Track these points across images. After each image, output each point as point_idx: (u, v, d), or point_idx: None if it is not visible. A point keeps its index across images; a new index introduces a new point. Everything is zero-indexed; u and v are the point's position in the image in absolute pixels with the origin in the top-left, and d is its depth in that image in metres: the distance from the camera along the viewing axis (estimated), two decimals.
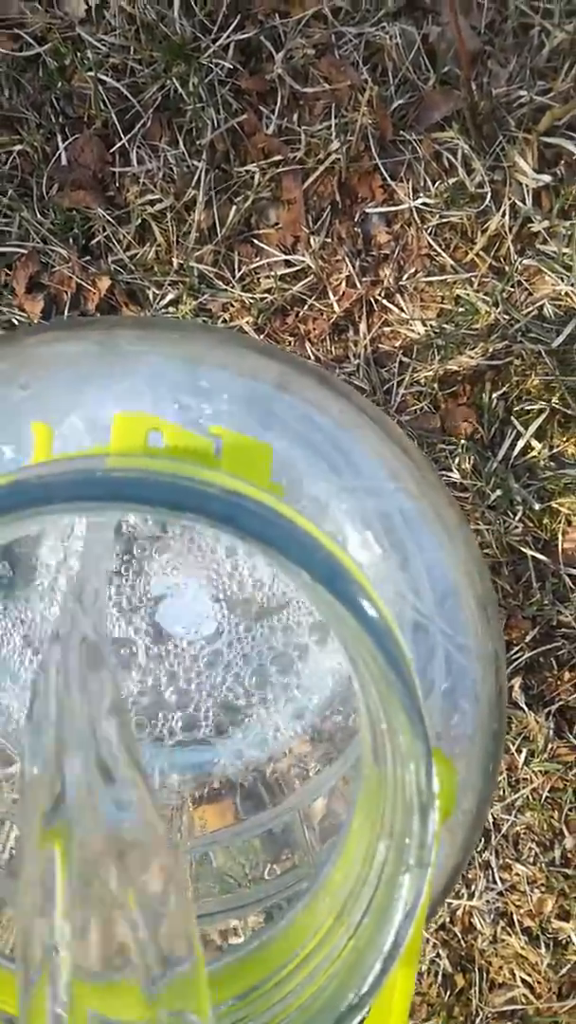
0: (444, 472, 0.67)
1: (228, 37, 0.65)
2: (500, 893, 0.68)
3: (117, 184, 0.66)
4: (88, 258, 0.66)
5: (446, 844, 0.33)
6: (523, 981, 0.68)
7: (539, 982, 0.68)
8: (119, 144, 0.66)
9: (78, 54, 0.66)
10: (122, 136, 0.66)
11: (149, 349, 0.29)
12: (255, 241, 0.67)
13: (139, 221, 0.66)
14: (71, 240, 0.66)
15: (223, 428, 0.26)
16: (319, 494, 0.31)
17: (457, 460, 0.67)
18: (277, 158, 0.66)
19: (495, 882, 0.68)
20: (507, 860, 0.68)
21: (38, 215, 0.66)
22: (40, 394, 0.27)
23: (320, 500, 0.31)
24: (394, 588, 0.33)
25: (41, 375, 0.28)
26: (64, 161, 0.66)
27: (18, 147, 0.66)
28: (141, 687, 0.45)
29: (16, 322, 0.66)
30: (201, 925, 0.40)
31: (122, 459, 0.24)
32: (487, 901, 0.68)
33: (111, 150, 0.66)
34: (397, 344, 0.68)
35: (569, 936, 0.68)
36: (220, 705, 0.46)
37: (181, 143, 0.66)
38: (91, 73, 0.65)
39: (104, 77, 0.65)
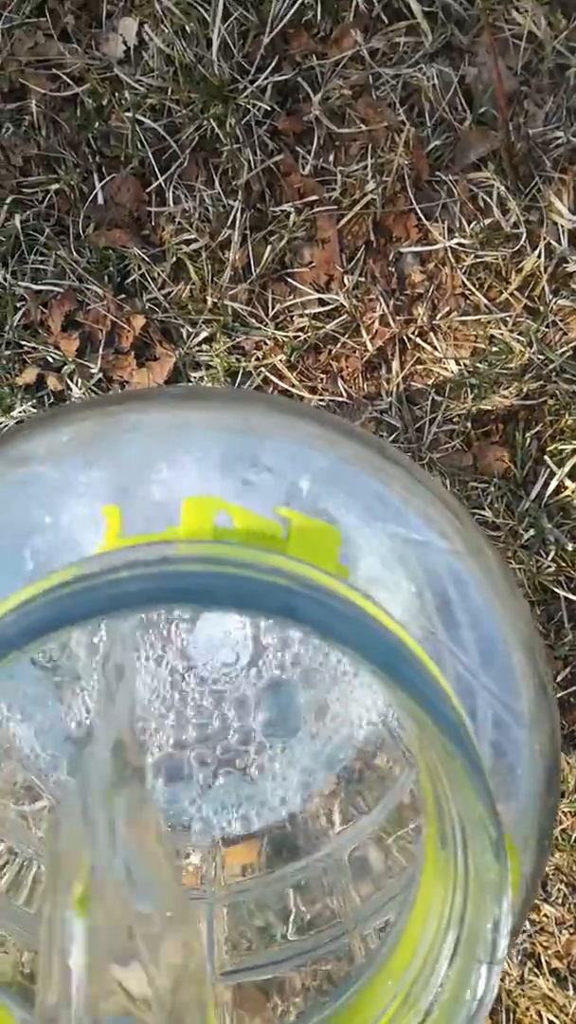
0: (476, 510, 0.67)
1: (266, 79, 0.66)
2: (529, 935, 0.68)
3: (153, 223, 0.67)
4: (123, 296, 0.67)
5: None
6: (550, 1023, 0.68)
7: None
8: (155, 184, 0.66)
9: (116, 94, 0.66)
10: (158, 176, 0.66)
11: (213, 423, 0.29)
12: (289, 280, 0.68)
13: (174, 260, 0.67)
14: (106, 278, 0.66)
15: (291, 510, 0.26)
16: (379, 562, 0.31)
17: (489, 499, 0.67)
18: (312, 198, 0.67)
19: (524, 925, 0.68)
20: (536, 901, 0.68)
21: (74, 253, 0.66)
22: (105, 472, 0.27)
23: (379, 567, 0.32)
24: (442, 649, 0.33)
25: (106, 451, 0.28)
26: (100, 200, 0.66)
27: (55, 186, 0.66)
28: (177, 728, 0.45)
29: (51, 359, 0.67)
30: (237, 979, 0.40)
31: (191, 545, 0.24)
32: (515, 943, 0.67)
33: (147, 190, 0.67)
34: (430, 382, 0.69)
35: None
36: (256, 747, 0.46)
37: (217, 183, 0.66)
38: (128, 113, 0.65)
39: (141, 117, 0.66)
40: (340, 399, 0.68)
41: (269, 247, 0.67)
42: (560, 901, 0.69)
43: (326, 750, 0.46)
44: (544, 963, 0.69)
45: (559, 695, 0.67)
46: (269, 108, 0.66)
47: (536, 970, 0.69)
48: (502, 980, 0.69)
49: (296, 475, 0.28)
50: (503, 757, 0.33)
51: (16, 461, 0.29)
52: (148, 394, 0.44)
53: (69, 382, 0.67)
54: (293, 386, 0.68)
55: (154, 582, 0.21)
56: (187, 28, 0.65)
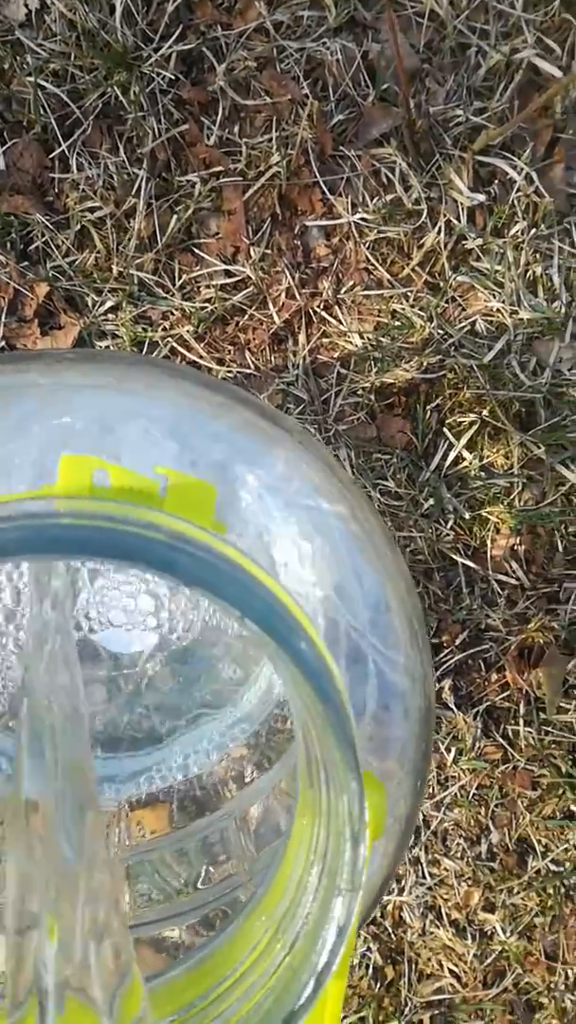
0: (380, 481, 0.69)
1: (170, 47, 0.65)
2: (429, 888, 0.71)
3: (56, 190, 0.66)
4: (26, 263, 0.66)
5: (379, 852, 0.35)
6: (450, 971, 0.71)
7: (465, 972, 0.71)
8: (59, 150, 0.66)
9: (17, 58, 0.65)
10: (62, 142, 0.66)
11: (92, 384, 0.30)
12: (195, 250, 0.68)
13: (78, 227, 0.66)
14: (8, 245, 0.66)
15: (168, 468, 0.27)
16: (259, 519, 0.32)
17: (392, 470, 0.69)
18: (218, 169, 0.67)
19: (424, 877, 0.70)
20: (436, 856, 0.71)
21: None
22: None
23: (260, 524, 0.33)
24: (327, 604, 0.35)
25: None
26: (2, 166, 0.65)
27: None
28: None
29: None
30: (139, 932, 0.41)
31: (69, 501, 0.25)
32: (416, 896, 0.70)
33: (50, 156, 0.66)
34: (335, 355, 0.70)
35: (494, 927, 0.71)
36: (158, 712, 0.46)
37: (122, 151, 0.66)
38: (31, 78, 0.65)
39: (44, 82, 0.65)
40: (248, 371, 0.69)
41: (175, 216, 0.67)
42: (459, 855, 0.71)
43: (230, 711, 0.47)
44: (444, 915, 0.71)
45: (457, 657, 0.70)
46: (174, 77, 0.66)
47: (437, 922, 0.71)
48: (404, 933, 0.71)
49: (178, 435, 0.29)
50: (384, 707, 0.34)
51: None
52: (38, 355, 0.44)
53: None
54: (201, 357, 0.68)
55: (29, 532, 0.22)
56: None
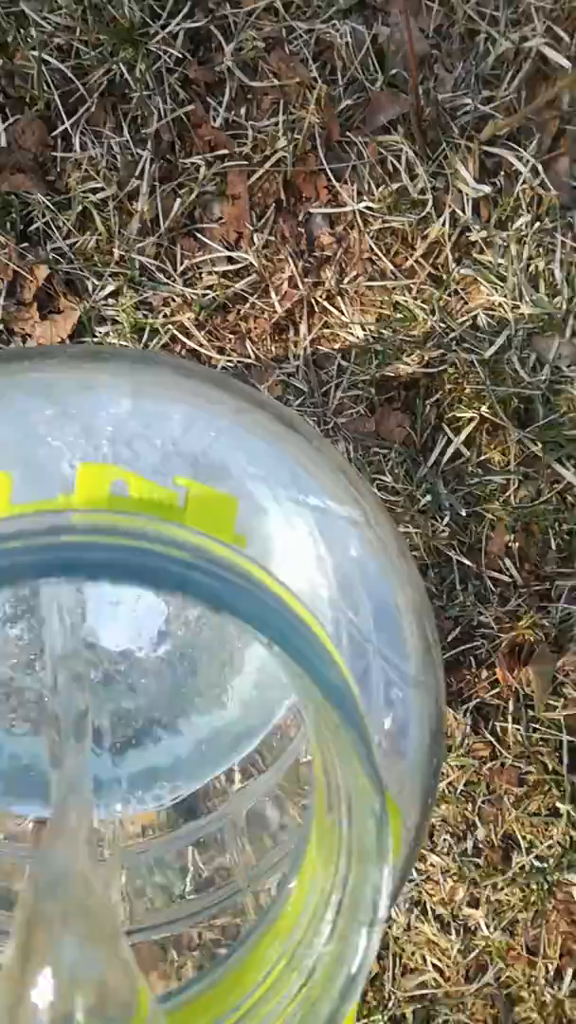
0: (377, 476, 0.68)
1: (178, 24, 0.64)
2: (415, 883, 0.71)
3: (58, 169, 0.65)
4: (26, 244, 0.65)
5: None
6: (434, 966, 0.71)
7: (448, 966, 0.71)
8: (61, 128, 0.64)
9: (21, 31, 0.63)
10: (65, 120, 0.64)
11: (108, 388, 0.29)
12: (198, 235, 0.67)
13: (80, 208, 0.65)
14: (8, 225, 0.64)
15: (188, 479, 0.26)
16: (274, 526, 0.32)
17: (390, 464, 0.68)
18: (223, 152, 0.66)
19: (411, 874, 0.70)
20: (422, 851, 0.71)
21: None
22: (1, 432, 0.27)
23: (274, 530, 0.32)
24: (338, 612, 0.34)
25: (1, 410, 0.27)
26: (3, 143, 0.64)
27: None
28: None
29: None
30: (137, 938, 0.41)
31: (85, 515, 0.24)
32: (402, 892, 0.70)
33: (53, 133, 0.64)
34: (337, 347, 0.69)
35: (478, 922, 0.71)
36: (153, 713, 0.46)
37: (126, 130, 0.64)
38: (35, 52, 0.63)
39: (48, 57, 0.63)
40: (248, 360, 0.68)
41: (178, 200, 0.65)
42: (445, 851, 0.72)
43: (226, 713, 0.46)
44: (429, 910, 0.72)
45: (449, 654, 0.70)
46: (180, 55, 0.64)
47: (422, 917, 0.72)
48: (389, 928, 0.72)
49: (197, 443, 0.28)
50: (393, 718, 0.34)
51: None
52: (48, 352, 0.42)
53: None
54: (201, 345, 0.67)
55: (44, 554, 0.21)
56: None
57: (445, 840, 0.71)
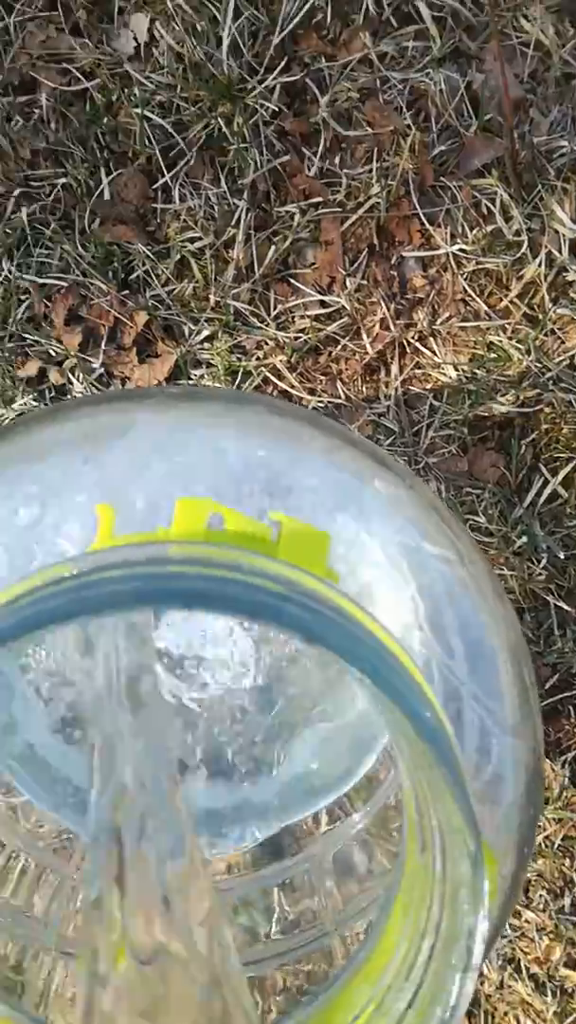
0: (470, 516, 0.68)
1: (274, 79, 0.66)
2: (509, 940, 0.68)
3: (158, 220, 0.67)
4: (126, 292, 0.67)
5: None
6: None
7: None
8: (162, 181, 0.67)
9: (125, 90, 0.66)
10: (165, 173, 0.66)
11: (205, 426, 0.29)
12: (292, 280, 0.68)
13: (178, 257, 0.67)
14: (111, 274, 0.66)
15: (282, 513, 0.26)
16: (366, 563, 0.32)
17: (483, 505, 0.68)
18: (317, 200, 0.67)
19: (505, 930, 0.68)
20: (517, 907, 0.69)
21: (79, 248, 0.66)
22: (102, 470, 0.28)
23: (367, 568, 0.32)
24: (431, 652, 0.33)
25: (104, 450, 0.28)
26: (107, 196, 0.67)
27: (62, 180, 0.66)
28: (180, 733, 0.44)
29: (53, 353, 0.67)
30: None
31: (182, 547, 0.25)
32: (495, 948, 0.68)
33: (154, 186, 0.67)
34: (428, 387, 0.69)
35: None
36: (241, 752, 0.45)
37: (223, 181, 0.67)
38: (137, 110, 0.66)
39: (150, 114, 0.66)
40: (338, 401, 0.69)
41: (273, 247, 0.67)
42: (541, 907, 0.69)
43: (316, 755, 0.46)
44: (524, 968, 0.69)
45: (547, 702, 0.68)
46: (277, 109, 0.66)
47: (516, 975, 0.69)
48: (481, 984, 0.69)
49: (290, 480, 0.29)
50: (487, 764, 0.33)
51: (14, 457, 0.30)
52: (148, 393, 0.44)
53: (70, 376, 0.67)
54: (292, 387, 0.68)
55: (143, 582, 0.22)
56: (198, 26, 0.65)
57: (541, 896, 0.69)
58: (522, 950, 0.69)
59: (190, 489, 0.27)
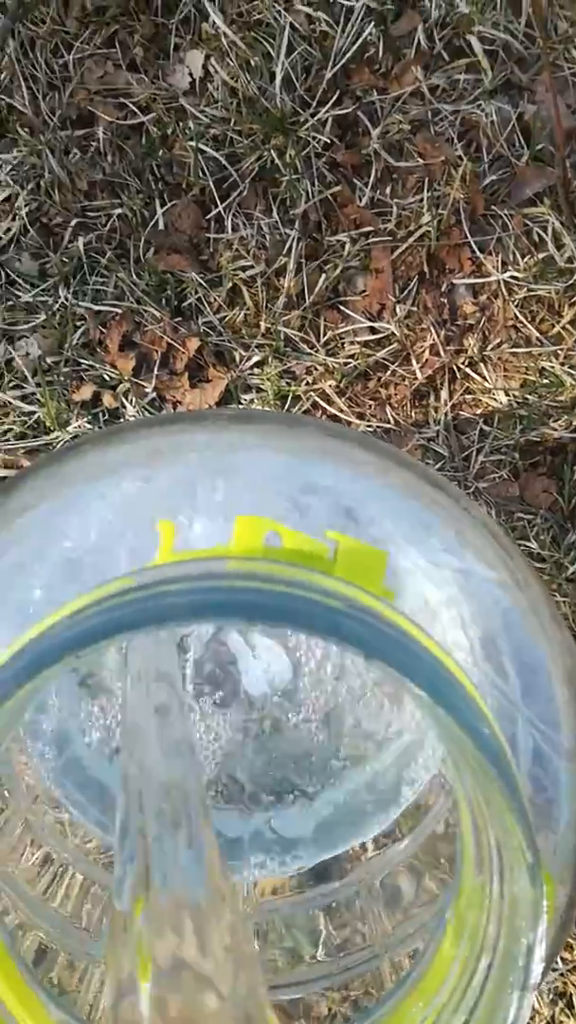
0: (521, 542, 0.67)
1: (327, 112, 0.67)
2: (561, 973, 0.67)
3: (211, 249, 0.68)
4: (179, 319, 0.68)
5: None
6: None
7: None
8: (215, 211, 0.68)
9: (180, 124, 0.68)
10: (218, 204, 0.68)
11: (261, 447, 0.30)
12: (342, 307, 0.69)
13: (230, 285, 0.68)
14: (164, 301, 0.68)
15: (339, 532, 0.27)
16: (421, 584, 0.32)
17: (535, 530, 0.67)
18: (368, 229, 0.68)
19: (556, 962, 0.67)
20: (569, 940, 0.67)
21: (134, 276, 0.68)
22: (161, 488, 0.28)
23: (421, 589, 0.32)
24: (484, 676, 0.33)
25: (162, 469, 0.29)
26: (161, 226, 0.68)
27: (118, 211, 0.68)
28: (211, 754, 0.45)
29: (107, 378, 0.69)
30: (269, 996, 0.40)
31: (241, 562, 0.25)
32: (547, 981, 0.66)
33: (207, 217, 0.68)
34: (478, 412, 0.69)
35: None
36: (288, 774, 0.45)
37: (275, 212, 0.68)
38: (192, 143, 0.67)
39: (204, 147, 0.67)
40: (387, 425, 0.69)
41: (323, 275, 0.68)
42: None
43: (362, 779, 0.46)
44: None
45: None
46: (329, 141, 0.68)
47: (567, 1011, 0.67)
48: (533, 1019, 0.68)
49: (345, 499, 0.29)
50: (542, 788, 0.33)
51: (75, 477, 0.30)
52: (204, 415, 0.45)
53: (124, 400, 0.69)
54: (341, 411, 0.68)
55: (202, 596, 0.22)
56: (252, 62, 0.67)
57: None
58: (574, 984, 0.67)
59: (247, 507, 0.27)
